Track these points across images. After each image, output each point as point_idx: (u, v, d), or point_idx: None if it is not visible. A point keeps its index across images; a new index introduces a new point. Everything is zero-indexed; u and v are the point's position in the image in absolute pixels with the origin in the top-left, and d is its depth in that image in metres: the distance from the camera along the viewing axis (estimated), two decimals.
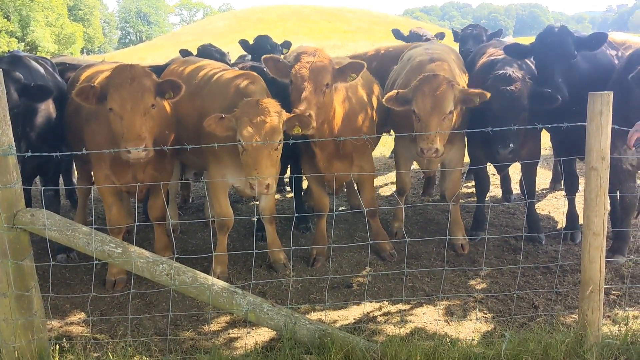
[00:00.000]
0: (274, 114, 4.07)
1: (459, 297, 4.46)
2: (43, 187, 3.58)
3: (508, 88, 4.66)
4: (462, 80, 5.32)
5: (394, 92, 4.70)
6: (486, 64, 5.44)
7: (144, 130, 3.98)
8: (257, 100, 4.11)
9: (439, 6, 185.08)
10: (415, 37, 8.61)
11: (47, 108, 4.90)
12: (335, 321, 4.13)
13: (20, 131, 4.34)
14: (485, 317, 4.16)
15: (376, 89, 5.55)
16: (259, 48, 7.69)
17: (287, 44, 8.18)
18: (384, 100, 4.66)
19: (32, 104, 4.60)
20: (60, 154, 3.69)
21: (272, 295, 4.53)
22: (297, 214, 4.41)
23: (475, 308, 4.28)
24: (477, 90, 4.65)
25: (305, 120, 4.15)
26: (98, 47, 67.58)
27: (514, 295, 4.34)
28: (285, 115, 4.16)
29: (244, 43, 8.10)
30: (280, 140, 4.12)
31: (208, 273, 4.60)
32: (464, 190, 7.32)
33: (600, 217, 3.39)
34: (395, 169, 5.83)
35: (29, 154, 3.27)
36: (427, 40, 8.01)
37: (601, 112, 3.28)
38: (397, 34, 9.20)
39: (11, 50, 42.50)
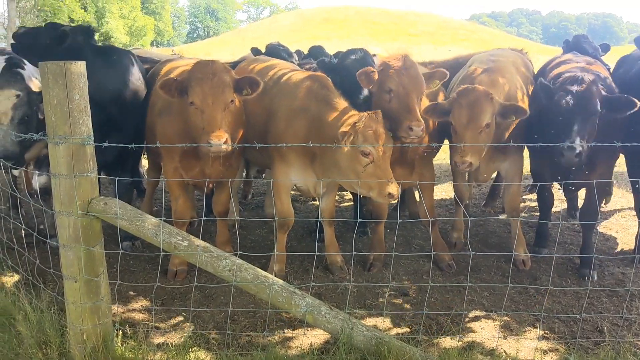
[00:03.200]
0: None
1: (520, 314, 4.34)
2: (117, 178, 3.67)
3: (577, 88, 4.41)
4: (521, 90, 5.16)
5: (433, 103, 4.70)
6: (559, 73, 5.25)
7: (224, 125, 4.03)
8: (376, 113, 4.10)
9: (506, 12, 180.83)
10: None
11: (128, 98, 5.09)
12: (391, 329, 4.09)
13: (99, 120, 4.53)
14: (547, 337, 4.02)
15: (441, 96, 5.48)
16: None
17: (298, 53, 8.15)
18: (422, 110, 4.61)
19: (116, 88, 4.80)
20: (136, 145, 3.79)
21: (327, 297, 4.54)
22: (357, 219, 4.38)
23: (536, 327, 4.15)
24: (514, 104, 4.58)
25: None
26: (167, 40, 69.55)
27: (578, 317, 4.18)
28: None
29: (255, 51, 7.63)
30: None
31: (265, 270, 4.69)
32: (529, 203, 7.12)
33: None
34: (453, 179, 5.75)
35: (107, 144, 3.39)
36: None
37: None
38: None
39: None
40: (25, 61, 5.10)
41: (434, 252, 4.94)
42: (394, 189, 3.95)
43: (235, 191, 6.25)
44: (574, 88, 4.34)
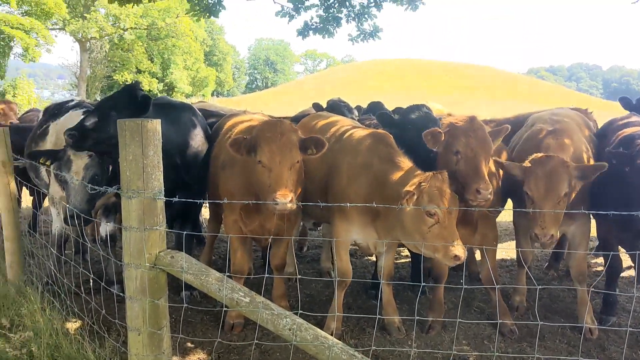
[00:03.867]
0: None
1: None
2: (185, 233, 3.76)
3: None
4: (587, 153, 5.04)
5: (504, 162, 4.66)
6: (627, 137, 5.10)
7: (290, 184, 4.09)
8: (441, 173, 4.07)
9: (566, 66, 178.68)
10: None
11: (193, 150, 5.26)
12: None
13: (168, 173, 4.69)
14: None
15: (504, 155, 5.41)
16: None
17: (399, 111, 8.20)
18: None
19: (181, 143, 4.95)
20: (206, 201, 3.88)
21: (384, 358, 4.43)
22: (421, 283, 4.28)
23: None
24: (592, 165, 4.48)
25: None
26: (227, 90, 72.04)
27: None
28: None
29: (317, 106, 7.83)
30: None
31: (321, 325, 4.63)
32: (595, 268, 6.83)
33: None
34: (515, 242, 5.59)
35: (177, 199, 3.49)
36: None
37: None
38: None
39: (151, 89, 46.50)
40: None
41: (500, 320, 4.75)
42: (460, 250, 3.86)
43: (292, 244, 6.28)
44: None
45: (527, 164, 4.50)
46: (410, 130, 5.10)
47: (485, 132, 4.49)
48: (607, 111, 7.62)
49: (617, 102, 6.60)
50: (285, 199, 3.93)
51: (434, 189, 3.92)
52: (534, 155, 4.52)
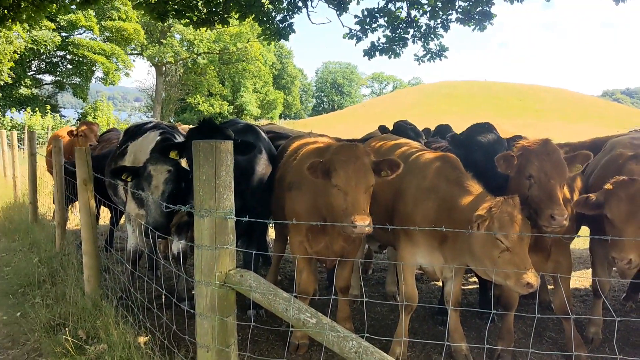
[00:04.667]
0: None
1: None
2: (254, 252, 3.84)
3: None
4: None
5: (584, 196, 4.44)
6: None
7: (366, 207, 4.10)
8: (513, 198, 3.97)
9: None
10: None
11: (259, 172, 5.37)
12: None
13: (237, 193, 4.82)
14: None
15: (578, 182, 5.22)
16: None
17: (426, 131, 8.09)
18: (573, 204, 4.36)
19: (248, 166, 5.05)
20: (274, 222, 3.95)
21: None
22: (491, 310, 4.15)
23: None
24: None
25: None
26: (294, 113, 73.25)
27: None
28: None
29: (383, 128, 7.78)
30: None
31: (386, 350, 4.58)
32: None
33: None
34: (592, 270, 5.34)
35: (247, 218, 3.58)
36: None
37: None
38: None
39: (222, 111, 47.95)
40: (177, 135, 5.59)
41: (575, 353, 4.54)
42: (533, 278, 3.72)
43: (357, 266, 6.26)
44: None
45: (609, 186, 4.31)
46: (478, 152, 5.02)
47: (560, 155, 4.33)
48: None
49: None
50: (364, 222, 3.93)
51: (505, 215, 3.82)
52: (616, 178, 4.34)
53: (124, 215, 6.44)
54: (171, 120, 37.57)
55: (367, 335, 3.48)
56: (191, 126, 8.60)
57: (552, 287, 6.07)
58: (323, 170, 4.25)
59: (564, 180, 4.31)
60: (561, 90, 75.61)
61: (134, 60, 42.94)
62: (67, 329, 4.84)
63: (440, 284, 6.08)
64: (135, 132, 6.11)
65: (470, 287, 6.98)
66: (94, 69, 41.47)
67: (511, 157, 4.43)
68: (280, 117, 59.96)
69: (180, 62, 46.34)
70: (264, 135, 5.92)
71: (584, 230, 5.38)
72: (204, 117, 5.31)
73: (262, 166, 5.45)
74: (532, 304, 6.02)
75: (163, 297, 4.71)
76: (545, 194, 4.17)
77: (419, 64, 12.07)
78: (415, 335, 5.30)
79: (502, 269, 3.81)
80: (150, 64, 46.27)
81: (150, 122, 6.29)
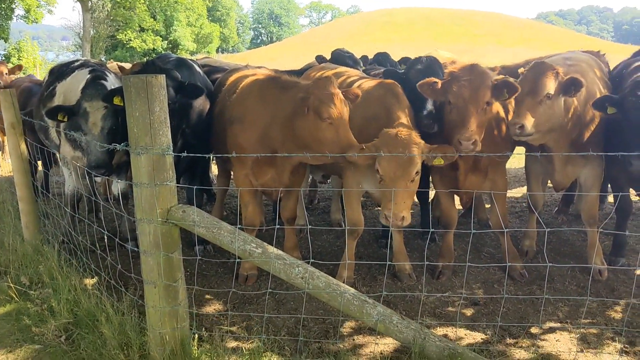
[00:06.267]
0: (414, 147, 4.04)
1: (598, 327, 4.17)
2: (195, 187, 3.80)
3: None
4: (600, 94, 4.95)
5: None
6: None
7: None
8: (397, 132, 4.09)
9: (576, 10, 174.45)
10: None
11: (197, 108, 5.25)
12: (462, 339, 4.03)
13: (174, 130, 4.69)
14: (627, 352, 3.85)
15: (512, 103, 5.35)
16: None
17: (406, 61, 7.96)
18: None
19: (186, 103, 4.94)
20: (220, 154, 3.88)
21: (397, 305, 4.51)
22: (429, 229, 4.29)
23: (615, 341, 3.98)
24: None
25: (450, 154, 4.17)
26: (232, 46, 71.19)
27: None
28: (425, 146, 4.14)
29: (320, 58, 7.56)
30: (417, 172, 4.11)
31: (333, 275, 4.72)
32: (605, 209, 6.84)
33: None
34: (527, 186, 5.59)
35: (185, 154, 3.52)
36: None
37: None
38: None
39: (155, 47, 46.03)
40: (108, 72, 5.35)
41: (508, 264, 4.80)
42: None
43: (301, 197, 6.33)
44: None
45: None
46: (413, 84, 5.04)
47: (483, 81, 4.32)
48: (618, 54, 7.43)
49: (629, 45, 6.49)
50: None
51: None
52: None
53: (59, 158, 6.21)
54: (102, 59, 35.81)
55: (313, 261, 3.58)
56: (124, 64, 8.25)
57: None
58: (311, 106, 4.19)
59: (480, 106, 4.29)
60: (496, 14, 76.29)
61: None
62: (8, 276, 4.73)
63: None
64: (62, 72, 5.80)
65: (412, 210, 7.20)
66: (14, 6, 38.59)
67: (434, 83, 4.45)
68: (217, 51, 58.16)
69: None
70: (198, 69, 5.73)
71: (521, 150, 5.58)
72: (147, 60, 5.10)
73: (200, 101, 5.31)
74: (472, 223, 6.28)
75: (106, 238, 4.64)
76: (459, 118, 4.26)
77: None
78: (361, 259, 5.47)
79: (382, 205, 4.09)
80: (75, 0, 43.49)
81: (77, 61, 5.98)
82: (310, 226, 5.38)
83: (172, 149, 3.36)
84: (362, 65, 7.47)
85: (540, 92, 4.32)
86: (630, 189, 5.25)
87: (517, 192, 7.99)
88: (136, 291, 4.41)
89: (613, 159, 4.53)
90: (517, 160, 9.39)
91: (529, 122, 4.26)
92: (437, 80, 4.48)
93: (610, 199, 7.15)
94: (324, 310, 4.38)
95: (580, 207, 5.99)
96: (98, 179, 5.39)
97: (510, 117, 4.92)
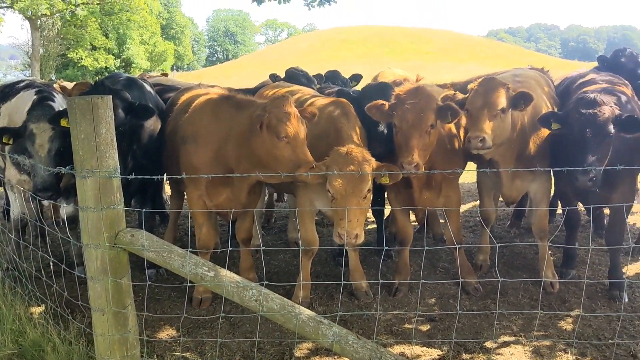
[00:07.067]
0: (365, 164, 4.06)
1: (550, 339, 4.24)
2: (144, 210, 3.70)
3: (590, 111, 4.27)
4: (547, 109, 5.10)
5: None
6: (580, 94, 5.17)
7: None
8: (348, 150, 4.10)
9: (524, 27, 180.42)
10: None
11: (148, 129, 5.14)
12: (419, 356, 4.03)
13: (124, 151, 4.58)
14: None
15: (463, 119, 5.45)
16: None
17: (357, 77, 8.12)
18: None
19: (136, 124, 4.84)
20: (172, 177, 3.80)
21: (354, 324, 4.49)
22: (383, 247, 4.32)
23: (567, 352, 4.06)
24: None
25: (395, 173, 4.20)
26: (187, 64, 70.57)
27: (612, 342, 4.07)
28: (375, 164, 4.16)
29: (274, 77, 7.53)
30: (369, 190, 4.13)
31: (289, 295, 4.67)
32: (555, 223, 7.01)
33: None
34: (479, 201, 5.69)
35: (133, 176, 3.43)
36: None
37: None
38: None
39: (108, 66, 45.20)
40: (55, 93, 5.21)
41: (462, 280, 4.84)
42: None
43: (258, 217, 6.26)
44: (586, 111, 4.26)
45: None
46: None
47: (428, 103, 4.38)
48: (564, 70, 7.74)
49: (575, 61, 6.73)
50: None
51: (333, 167, 4.03)
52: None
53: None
54: (52, 78, 34.94)
55: (267, 282, 3.52)
56: (75, 82, 8.03)
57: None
58: (267, 125, 4.14)
59: (424, 129, 4.32)
60: (448, 32, 78.20)
61: (3, 14, 39.01)
62: None
63: None
64: (6, 93, 5.62)
65: (369, 227, 7.22)
66: None
67: (381, 105, 4.49)
68: (172, 69, 57.48)
69: (57, 14, 42.80)
70: (149, 89, 5.63)
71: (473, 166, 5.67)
72: (95, 81, 4.97)
73: (151, 122, 5.21)
74: (427, 238, 6.34)
75: (51, 264, 4.47)
76: (404, 142, 4.31)
77: (309, 9, 11.98)
78: (318, 278, 5.44)
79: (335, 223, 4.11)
80: (23, 18, 42.36)
81: (22, 82, 5.80)
82: (265, 247, 5.32)
83: (119, 171, 3.27)
84: (316, 83, 7.49)
85: (494, 106, 4.39)
86: (578, 202, 5.39)
87: (471, 206, 8.12)
88: (84, 319, 4.24)
89: (560, 174, 4.66)
90: (470, 175, 9.56)
91: (489, 135, 4.32)
92: (384, 102, 4.51)
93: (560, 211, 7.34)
94: (280, 332, 4.32)
95: (531, 220, 6.11)
96: (45, 203, 5.20)
97: (462, 133, 5.02)
